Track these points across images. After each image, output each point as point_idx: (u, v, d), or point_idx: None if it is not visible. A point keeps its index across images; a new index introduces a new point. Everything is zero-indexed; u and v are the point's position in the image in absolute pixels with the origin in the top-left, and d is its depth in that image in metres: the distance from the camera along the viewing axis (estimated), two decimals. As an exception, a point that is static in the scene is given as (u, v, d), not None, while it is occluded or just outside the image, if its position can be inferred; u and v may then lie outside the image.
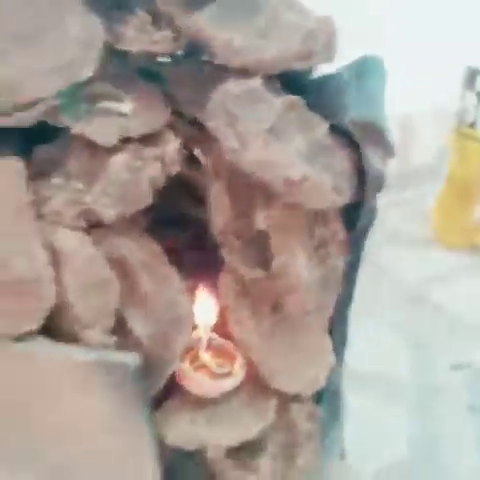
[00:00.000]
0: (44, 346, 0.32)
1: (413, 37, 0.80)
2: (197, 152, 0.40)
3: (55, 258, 0.33)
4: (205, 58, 0.42)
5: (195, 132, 0.43)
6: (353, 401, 0.48)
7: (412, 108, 0.43)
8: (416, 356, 0.57)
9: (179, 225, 0.51)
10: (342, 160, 0.36)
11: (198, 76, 0.42)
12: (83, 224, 0.36)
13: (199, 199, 0.48)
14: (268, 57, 0.35)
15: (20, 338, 0.32)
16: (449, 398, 0.52)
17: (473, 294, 0.66)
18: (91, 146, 0.37)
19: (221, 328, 0.44)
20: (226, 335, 0.44)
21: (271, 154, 0.33)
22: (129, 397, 0.32)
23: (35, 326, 0.32)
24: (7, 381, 0.34)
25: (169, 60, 0.43)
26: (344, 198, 0.35)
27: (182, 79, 0.43)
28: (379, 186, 0.36)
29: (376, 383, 0.54)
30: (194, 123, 0.44)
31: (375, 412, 0.51)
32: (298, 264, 0.35)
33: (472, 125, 0.67)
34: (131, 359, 0.31)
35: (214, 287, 0.44)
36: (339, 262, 0.40)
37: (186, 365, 0.40)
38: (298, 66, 0.36)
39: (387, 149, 0.36)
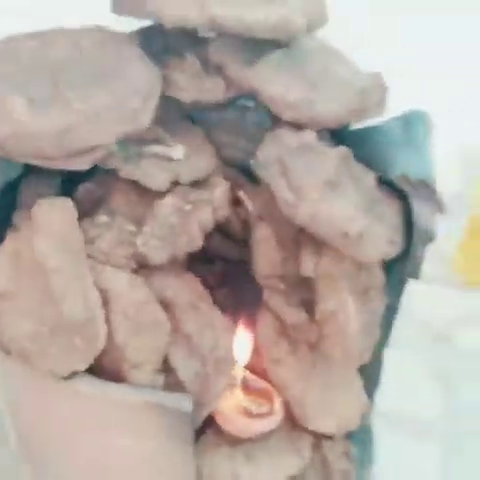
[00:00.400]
0: (95, 385, 0.32)
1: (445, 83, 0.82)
2: (242, 196, 0.41)
3: (104, 298, 0.34)
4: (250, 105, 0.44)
5: (238, 176, 0.45)
6: (383, 440, 0.48)
7: (438, 148, 0.44)
8: (445, 397, 0.57)
9: (207, 262, 0.52)
10: (394, 211, 0.37)
11: (243, 122, 0.44)
12: (133, 265, 0.37)
13: (227, 236, 0.49)
14: (323, 112, 0.36)
15: (69, 377, 0.33)
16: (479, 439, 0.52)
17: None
18: (138, 186, 0.38)
19: (253, 367, 0.45)
20: (258, 374, 0.44)
21: (328, 207, 0.33)
22: (179, 438, 0.32)
23: (85, 366, 0.33)
24: (55, 418, 0.35)
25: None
26: (397, 250, 0.36)
27: (226, 124, 0.44)
28: (428, 240, 0.37)
29: (406, 422, 0.54)
30: (236, 166, 0.45)
31: (405, 452, 0.51)
32: (347, 311, 0.36)
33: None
34: (187, 403, 0.31)
35: (246, 325, 0.45)
36: (379, 307, 0.41)
37: (224, 406, 0.40)
38: (351, 121, 0.38)
39: (437, 205, 0.37)
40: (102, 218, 0.37)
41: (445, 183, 0.42)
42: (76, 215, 0.35)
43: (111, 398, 0.32)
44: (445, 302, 0.72)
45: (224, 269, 0.51)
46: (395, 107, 0.43)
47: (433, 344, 0.65)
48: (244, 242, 0.47)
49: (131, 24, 0.42)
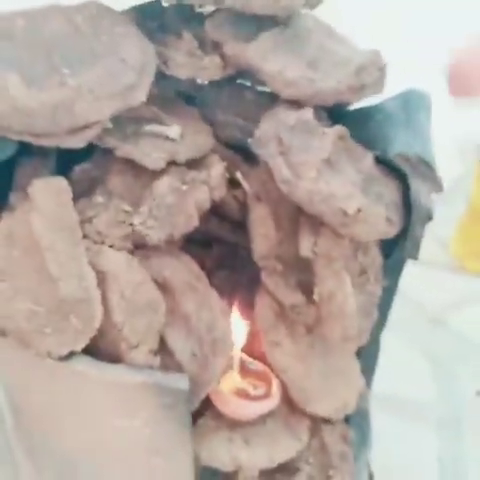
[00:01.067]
0: (93, 366, 0.32)
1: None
2: (239, 176, 0.41)
3: (101, 278, 0.34)
4: (248, 84, 0.43)
5: (235, 156, 0.44)
6: (379, 423, 0.48)
7: (435, 134, 0.44)
8: (440, 379, 0.58)
9: (204, 245, 0.52)
10: (392, 191, 0.37)
11: (240, 101, 0.43)
12: (130, 245, 0.36)
13: (223, 219, 0.48)
14: (323, 90, 0.36)
15: (66, 357, 0.32)
16: (475, 423, 0.52)
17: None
18: (135, 167, 0.38)
19: (250, 350, 0.44)
20: (255, 357, 0.44)
21: (325, 185, 0.33)
22: (177, 418, 0.32)
23: (81, 346, 0.32)
24: (51, 398, 0.34)
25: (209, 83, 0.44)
26: (395, 229, 0.36)
27: (223, 103, 0.43)
28: (427, 219, 0.37)
29: (401, 406, 0.54)
30: (232, 147, 0.45)
31: (401, 435, 0.51)
32: (345, 292, 0.36)
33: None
34: (184, 382, 0.31)
35: (243, 308, 0.45)
36: (377, 289, 0.41)
37: (221, 387, 0.40)
38: (349, 99, 0.37)
39: (435, 184, 0.37)
40: (98, 198, 0.36)
41: (443, 169, 0.41)
42: (71, 195, 0.34)
43: (108, 378, 0.32)
44: (441, 285, 0.73)
45: (221, 252, 0.51)
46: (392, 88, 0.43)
47: (428, 327, 0.65)
48: (242, 225, 0.47)
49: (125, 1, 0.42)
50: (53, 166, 0.40)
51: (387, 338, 0.45)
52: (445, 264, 0.78)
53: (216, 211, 0.44)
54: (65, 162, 0.40)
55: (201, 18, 0.40)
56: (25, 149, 0.37)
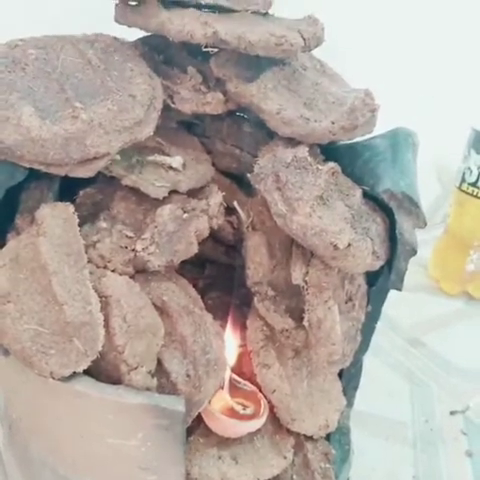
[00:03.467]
0: (93, 387, 0.34)
1: (421, 95, 0.85)
2: (236, 205, 0.43)
3: (104, 302, 0.35)
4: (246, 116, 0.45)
5: (232, 185, 0.46)
6: (357, 441, 0.51)
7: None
8: (417, 399, 0.60)
9: (197, 265, 0.54)
10: (378, 225, 0.39)
11: (239, 133, 0.45)
12: (131, 270, 0.38)
13: (217, 241, 0.51)
14: (317, 130, 0.38)
15: (68, 378, 0.34)
16: (449, 442, 0.55)
17: (467, 340, 0.70)
18: (137, 193, 0.40)
19: (239, 369, 0.46)
20: (244, 376, 0.46)
21: (318, 220, 0.35)
22: (172, 438, 0.34)
23: (83, 367, 0.34)
24: (51, 415, 0.36)
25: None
26: (381, 262, 0.38)
27: (223, 134, 0.46)
28: (411, 253, 0.39)
29: (379, 424, 0.57)
30: (229, 175, 0.47)
31: (378, 452, 0.54)
32: (333, 320, 0.38)
33: (474, 184, 0.71)
34: (181, 404, 0.33)
35: (234, 328, 0.46)
36: (361, 315, 0.43)
37: (212, 406, 0.42)
38: (342, 138, 0.39)
39: (419, 219, 0.40)
40: (102, 224, 0.38)
41: (421, 190, 0.44)
42: (77, 220, 0.36)
43: (108, 399, 0.33)
44: (419, 306, 0.76)
45: (214, 273, 0.53)
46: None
47: (406, 347, 0.68)
48: (234, 247, 0.49)
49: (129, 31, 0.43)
50: (57, 189, 0.41)
51: (365, 357, 0.48)
52: (423, 285, 0.81)
53: (211, 234, 0.46)
54: (68, 184, 0.42)
55: (205, 52, 0.42)
56: (31, 173, 0.39)
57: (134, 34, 0.43)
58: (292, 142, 0.39)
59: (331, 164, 0.41)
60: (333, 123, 0.39)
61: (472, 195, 0.72)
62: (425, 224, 0.41)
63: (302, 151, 0.38)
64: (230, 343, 0.45)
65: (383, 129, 0.45)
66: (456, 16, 0.88)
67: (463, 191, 0.73)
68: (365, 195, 0.42)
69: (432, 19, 0.86)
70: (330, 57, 0.48)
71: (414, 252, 0.40)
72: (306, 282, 0.39)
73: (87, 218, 0.39)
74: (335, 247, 0.36)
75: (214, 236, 0.48)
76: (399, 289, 0.41)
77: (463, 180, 0.73)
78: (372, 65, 0.78)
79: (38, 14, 0.56)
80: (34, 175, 0.39)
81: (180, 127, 0.45)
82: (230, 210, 0.45)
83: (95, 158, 0.34)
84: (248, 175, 0.39)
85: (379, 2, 0.81)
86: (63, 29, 0.41)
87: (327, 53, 0.47)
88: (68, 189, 0.41)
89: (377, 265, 0.39)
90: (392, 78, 0.84)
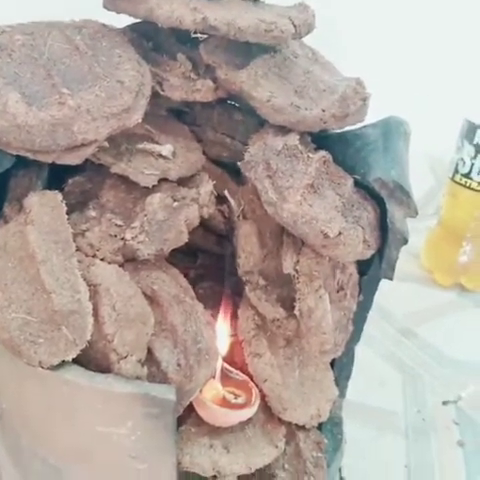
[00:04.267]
0: (83, 375, 0.33)
1: (415, 86, 0.85)
2: (226, 194, 0.43)
3: (92, 291, 0.35)
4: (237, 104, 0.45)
5: (223, 174, 0.46)
6: (349, 430, 0.51)
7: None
8: (409, 389, 0.60)
9: (188, 255, 0.53)
10: (369, 214, 0.39)
11: (229, 121, 0.45)
12: (120, 259, 0.37)
13: (208, 230, 0.50)
14: (308, 118, 0.38)
15: (57, 366, 0.33)
16: (441, 432, 0.55)
17: (459, 331, 0.70)
18: (127, 181, 0.39)
19: (230, 358, 0.46)
20: (235, 366, 0.46)
21: (309, 209, 0.35)
22: (163, 427, 0.34)
23: (72, 356, 0.33)
24: (39, 404, 0.35)
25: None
26: (372, 251, 0.38)
27: (213, 122, 0.45)
28: (402, 242, 0.39)
29: (371, 414, 0.57)
30: (220, 163, 0.47)
31: (370, 442, 0.54)
32: (324, 309, 0.38)
33: (467, 175, 0.71)
34: (171, 393, 0.33)
35: (225, 318, 0.46)
36: (353, 304, 0.43)
37: (203, 395, 0.42)
38: (333, 127, 0.39)
39: (410, 209, 0.39)
40: (91, 212, 0.37)
41: (415, 181, 0.44)
42: (65, 209, 0.36)
43: (97, 388, 0.33)
44: (411, 297, 0.76)
45: (205, 262, 0.52)
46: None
47: (398, 337, 0.68)
48: (226, 236, 0.49)
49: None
50: (46, 177, 0.41)
51: (357, 347, 0.48)
52: (416, 275, 0.81)
53: (202, 223, 0.46)
54: (57, 172, 0.41)
55: (195, 39, 0.42)
56: (19, 160, 0.38)
57: (122, 22, 0.43)
58: (283, 130, 0.39)
59: (322, 152, 0.40)
60: (324, 111, 0.39)
61: (465, 186, 0.72)
62: (416, 213, 0.41)
63: (293, 139, 0.38)
64: (222, 332, 0.45)
65: (376, 119, 0.45)
66: (451, 7, 0.88)
67: (456, 182, 0.73)
68: (356, 184, 0.42)
69: (427, 9, 0.85)
70: (323, 45, 0.48)
71: (405, 241, 0.40)
72: (297, 271, 0.39)
73: (76, 206, 0.39)
74: (325, 235, 0.35)
75: (205, 225, 0.48)
76: (390, 278, 0.41)
77: (456, 171, 0.73)
78: (366, 55, 0.77)
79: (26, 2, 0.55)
80: (22, 163, 0.38)
81: (170, 115, 0.45)
82: (221, 199, 0.45)
83: (83, 145, 0.34)
84: (238, 163, 0.38)
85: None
86: (51, 16, 0.41)
87: (321, 41, 0.46)
88: (57, 177, 0.41)
89: (368, 254, 0.39)
90: (385, 68, 0.84)
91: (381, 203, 0.42)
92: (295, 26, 0.39)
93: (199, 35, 0.39)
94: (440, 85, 0.88)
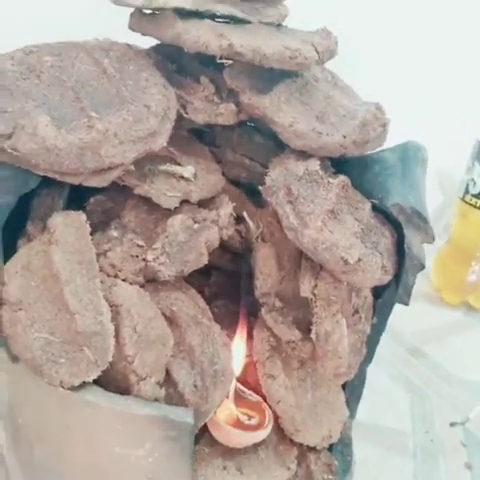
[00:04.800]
0: (103, 396, 0.34)
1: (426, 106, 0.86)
2: (245, 216, 0.43)
3: (114, 312, 0.35)
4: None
5: (242, 195, 0.46)
6: (359, 451, 0.51)
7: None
8: (417, 410, 0.61)
9: (203, 272, 0.54)
10: (387, 239, 0.40)
11: (249, 143, 0.45)
12: (141, 279, 0.38)
13: (224, 249, 0.51)
14: (329, 143, 0.38)
15: (77, 387, 0.34)
16: (449, 453, 0.55)
17: (467, 351, 0.71)
18: (148, 202, 0.40)
19: (244, 379, 0.46)
20: (249, 386, 0.46)
21: (329, 235, 0.35)
22: (180, 449, 0.34)
23: (94, 377, 0.34)
24: (59, 423, 0.36)
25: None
26: (389, 276, 0.39)
27: (233, 143, 0.46)
28: (419, 268, 0.39)
29: (380, 434, 0.57)
30: (238, 184, 0.47)
31: (379, 462, 0.54)
32: (341, 333, 0.38)
33: (477, 195, 0.72)
34: (190, 416, 0.33)
35: (239, 338, 0.47)
36: (367, 327, 0.44)
37: (217, 416, 0.42)
38: (353, 152, 0.40)
39: (427, 235, 0.40)
40: (113, 232, 0.38)
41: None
42: (89, 229, 0.36)
43: (117, 409, 0.33)
44: (421, 316, 0.76)
45: (220, 280, 0.53)
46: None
47: (407, 357, 0.68)
48: (240, 254, 0.49)
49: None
50: (66, 195, 0.41)
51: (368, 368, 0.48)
52: (425, 295, 0.81)
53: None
54: (77, 189, 0.42)
55: (219, 64, 0.42)
56: (42, 179, 0.39)
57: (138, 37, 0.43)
58: (303, 155, 0.39)
59: (342, 177, 0.41)
60: (345, 137, 0.39)
61: (475, 207, 0.72)
62: (433, 239, 0.41)
63: (314, 164, 0.39)
64: (236, 353, 0.45)
65: (388, 138, 0.46)
66: (462, 32, 0.89)
67: (466, 202, 0.74)
68: (374, 208, 0.43)
69: (439, 33, 0.86)
70: (340, 69, 0.48)
71: (422, 267, 0.40)
72: (314, 295, 0.39)
73: (98, 226, 0.39)
74: (345, 262, 0.36)
75: (221, 244, 0.49)
76: (406, 304, 0.41)
77: (467, 191, 0.73)
78: (378, 72, 0.78)
79: (46, 17, 0.56)
80: (45, 182, 0.39)
81: (191, 136, 0.45)
82: (238, 219, 0.45)
83: (109, 168, 0.34)
84: (259, 187, 0.39)
85: (388, 16, 0.81)
86: (72, 33, 0.41)
87: (338, 65, 0.47)
88: (77, 194, 0.41)
89: (386, 279, 0.39)
90: (398, 87, 0.85)
91: (398, 228, 0.42)
92: (318, 53, 0.40)
93: (224, 61, 0.39)
94: (450, 102, 0.89)
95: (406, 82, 0.87)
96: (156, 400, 0.35)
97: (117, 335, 0.34)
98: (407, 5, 0.85)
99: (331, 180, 0.39)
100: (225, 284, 0.53)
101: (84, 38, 0.42)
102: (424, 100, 0.89)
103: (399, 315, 0.60)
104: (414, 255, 0.40)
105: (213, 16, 0.40)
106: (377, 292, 0.45)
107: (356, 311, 0.43)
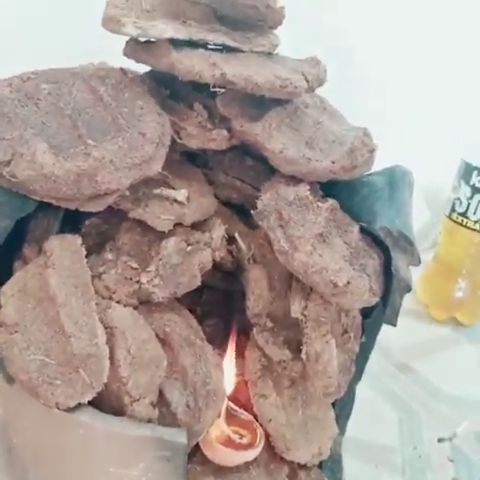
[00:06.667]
0: (98, 418, 0.34)
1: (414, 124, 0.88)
2: (237, 237, 0.44)
3: (109, 334, 0.36)
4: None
5: (233, 216, 0.47)
6: (347, 467, 0.52)
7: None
8: (405, 425, 0.62)
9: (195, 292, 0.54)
10: (374, 262, 0.41)
11: (241, 166, 0.46)
12: (135, 302, 0.39)
13: (216, 268, 0.51)
14: (318, 169, 0.39)
15: (72, 409, 0.34)
16: (437, 469, 0.56)
17: (455, 367, 0.72)
18: (142, 225, 0.41)
19: (235, 398, 0.47)
20: (240, 405, 0.47)
21: (319, 258, 0.37)
22: (173, 469, 0.35)
23: (89, 398, 0.34)
24: (53, 443, 0.36)
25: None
26: (377, 298, 0.40)
27: (225, 166, 0.47)
28: (406, 289, 0.41)
29: (368, 450, 0.58)
30: (231, 206, 0.48)
31: (368, 478, 0.55)
32: (330, 354, 0.39)
33: (463, 214, 0.73)
34: (183, 437, 0.34)
35: (231, 357, 0.47)
36: (356, 346, 0.45)
37: (209, 435, 0.42)
38: (341, 177, 0.41)
39: (413, 257, 0.41)
40: (108, 255, 0.39)
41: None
42: (84, 252, 0.37)
43: (111, 430, 0.34)
44: (408, 332, 0.77)
45: (212, 299, 0.53)
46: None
47: (394, 373, 0.69)
48: (231, 273, 0.50)
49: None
50: (61, 217, 0.42)
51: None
52: (412, 310, 0.83)
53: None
54: (72, 211, 0.42)
55: (211, 92, 0.44)
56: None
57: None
58: (293, 180, 0.40)
59: (331, 201, 0.42)
60: (333, 163, 0.41)
61: (461, 225, 0.74)
62: (419, 262, 0.42)
63: (303, 189, 0.40)
64: (228, 372, 0.46)
65: (379, 158, 0.47)
66: (450, 54, 0.91)
67: (453, 220, 0.75)
68: (362, 231, 0.44)
69: (427, 54, 0.88)
70: (333, 90, 0.50)
71: (409, 288, 0.41)
72: (305, 316, 0.40)
73: (92, 248, 0.40)
74: (335, 285, 0.37)
75: (213, 263, 0.50)
76: (394, 324, 0.42)
77: (453, 210, 0.75)
78: (369, 93, 0.80)
79: (39, 40, 0.57)
80: (42, 204, 0.40)
81: (184, 159, 0.46)
82: (230, 239, 0.46)
83: (105, 194, 0.35)
84: (252, 211, 0.40)
85: (375, 35, 0.83)
86: (68, 56, 0.42)
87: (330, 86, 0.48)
88: (72, 215, 0.42)
89: (373, 301, 0.40)
90: (388, 106, 0.87)
91: (385, 250, 0.43)
92: (308, 81, 0.41)
93: (217, 89, 0.41)
94: (436, 120, 0.91)
95: (396, 102, 0.89)
96: (150, 421, 0.36)
97: (112, 357, 0.35)
98: (390, 28, 0.87)
99: (320, 204, 0.41)
100: (217, 303, 0.54)
101: (80, 61, 0.43)
102: (414, 119, 0.91)
103: (387, 331, 0.61)
104: (401, 277, 0.42)
105: (206, 45, 0.42)
106: (366, 312, 0.46)
107: (345, 331, 0.44)
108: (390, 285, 0.42)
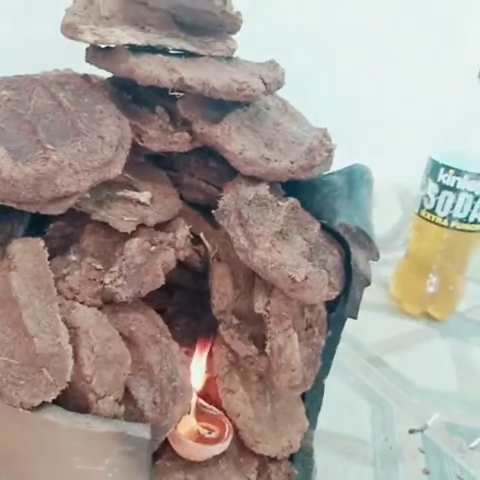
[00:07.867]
0: (62, 416, 0.35)
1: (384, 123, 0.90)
2: (202, 236, 0.45)
3: (72, 334, 0.37)
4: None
5: (198, 217, 0.48)
6: (320, 460, 0.53)
7: (377, 182, 0.50)
8: (376, 416, 0.63)
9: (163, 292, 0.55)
10: (334, 257, 0.42)
11: (205, 167, 0.48)
12: (99, 302, 0.39)
13: (185, 267, 0.52)
14: (277, 169, 0.41)
15: (37, 407, 0.35)
16: (408, 460, 0.58)
17: (426, 361, 0.73)
18: (106, 226, 0.41)
19: (205, 394, 0.48)
20: (209, 400, 0.48)
21: (278, 255, 0.38)
22: (138, 464, 0.35)
23: (53, 397, 0.35)
24: (21, 443, 0.37)
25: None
26: (337, 292, 0.41)
27: (190, 168, 0.48)
28: (365, 284, 0.42)
29: (340, 442, 0.59)
30: (196, 206, 0.49)
31: (340, 470, 0.56)
32: (293, 347, 0.40)
33: (432, 210, 0.75)
34: (147, 432, 0.35)
35: (201, 354, 0.48)
36: (321, 340, 0.46)
37: (178, 431, 0.43)
38: (300, 177, 0.42)
39: (372, 252, 0.42)
40: (72, 257, 0.39)
41: (384, 214, 0.47)
42: (47, 255, 0.37)
43: (76, 428, 0.35)
44: (380, 326, 0.79)
45: (182, 299, 0.54)
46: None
47: (366, 366, 0.71)
48: (201, 274, 0.51)
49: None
50: (27, 221, 0.43)
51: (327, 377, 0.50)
52: (385, 305, 0.84)
53: (178, 261, 0.48)
54: (38, 215, 0.43)
55: (173, 95, 0.45)
56: (2, 206, 0.40)
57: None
58: (254, 180, 0.42)
59: (291, 200, 0.43)
60: (292, 163, 0.42)
61: (430, 221, 0.76)
62: (378, 257, 0.44)
63: (263, 189, 0.41)
64: (197, 369, 0.47)
65: (348, 158, 0.48)
66: (415, 49, 0.93)
67: (422, 217, 0.77)
68: (324, 228, 0.45)
69: (391, 48, 0.90)
70: (291, 91, 0.51)
71: (368, 283, 0.43)
72: (268, 311, 0.41)
73: (57, 250, 0.41)
74: (293, 280, 0.38)
75: (181, 262, 0.50)
76: (354, 318, 0.44)
77: (422, 207, 0.77)
78: (333, 91, 0.82)
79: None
80: (5, 208, 0.40)
81: (148, 162, 0.47)
82: (197, 239, 0.47)
83: (65, 197, 0.36)
84: (213, 211, 0.41)
85: (344, 34, 0.85)
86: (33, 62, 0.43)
87: (288, 88, 0.50)
88: (38, 219, 0.43)
89: (333, 295, 0.42)
90: (357, 107, 0.88)
91: (346, 246, 0.45)
92: (265, 84, 0.43)
93: (176, 93, 0.42)
94: (407, 121, 0.93)
95: (367, 102, 0.91)
96: (115, 417, 0.37)
97: (75, 356, 0.36)
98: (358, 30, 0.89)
99: (281, 203, 0.42)
100: (187, 302, 0.54)
101: (45, 68, 0.44)
102: (386, 120, 0.93)
103: (361, 326, 0.63)
104: (360, 272, 0.43)
105: (166, 50, 0.43)
106: (331, 306, 0.48)
107: (310, 325, 0.45)
108: (350, 280, 0.43)
